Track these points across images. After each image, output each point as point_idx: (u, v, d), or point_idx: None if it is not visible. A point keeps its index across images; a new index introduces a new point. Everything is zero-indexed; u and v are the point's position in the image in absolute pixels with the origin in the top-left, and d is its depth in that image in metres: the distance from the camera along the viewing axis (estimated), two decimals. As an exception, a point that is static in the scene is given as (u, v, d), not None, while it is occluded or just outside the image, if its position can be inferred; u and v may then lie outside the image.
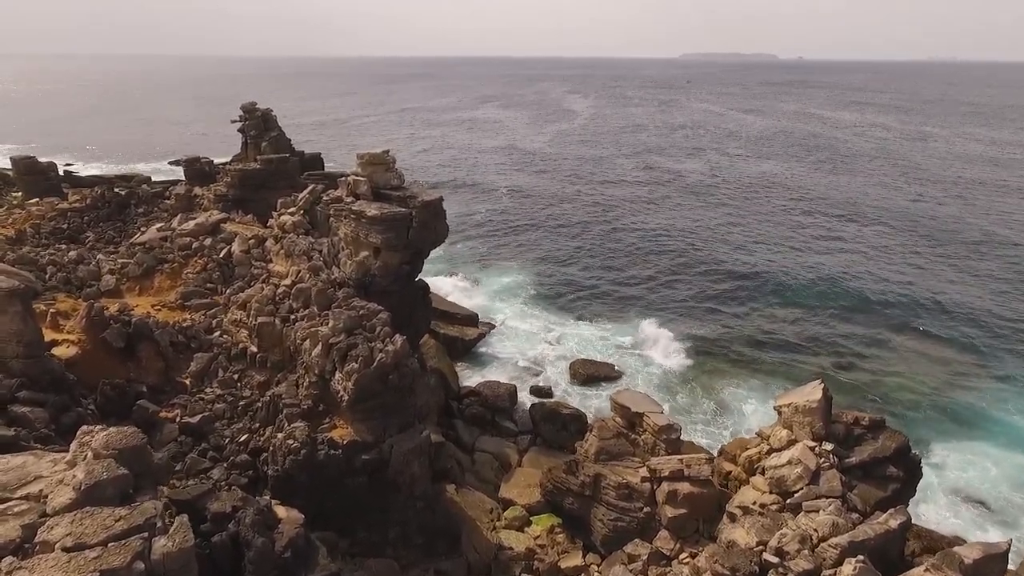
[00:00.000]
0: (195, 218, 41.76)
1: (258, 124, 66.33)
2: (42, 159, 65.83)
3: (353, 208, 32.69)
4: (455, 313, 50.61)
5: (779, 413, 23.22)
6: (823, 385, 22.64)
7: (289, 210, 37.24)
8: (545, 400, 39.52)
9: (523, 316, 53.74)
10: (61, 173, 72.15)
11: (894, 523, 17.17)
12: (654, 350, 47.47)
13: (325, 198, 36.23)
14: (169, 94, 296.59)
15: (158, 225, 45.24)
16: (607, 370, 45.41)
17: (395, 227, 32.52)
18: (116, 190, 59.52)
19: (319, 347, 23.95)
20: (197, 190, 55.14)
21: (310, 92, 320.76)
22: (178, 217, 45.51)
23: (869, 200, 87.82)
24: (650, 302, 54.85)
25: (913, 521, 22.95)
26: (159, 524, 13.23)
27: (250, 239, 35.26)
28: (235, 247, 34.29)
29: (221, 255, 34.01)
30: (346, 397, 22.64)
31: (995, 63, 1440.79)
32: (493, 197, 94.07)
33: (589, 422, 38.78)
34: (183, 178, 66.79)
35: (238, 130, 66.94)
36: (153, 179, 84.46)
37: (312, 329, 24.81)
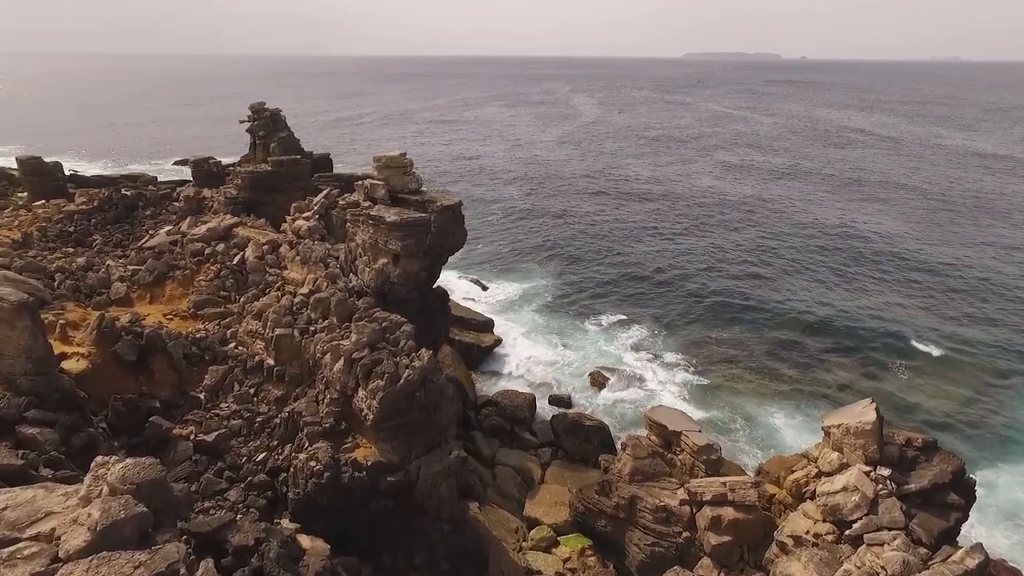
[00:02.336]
0: (206, 222, 40.64)
1: (267, 124, 65.21)
2: (47, 159, 65.05)
3: (371, 213, 31.53)
4: (471, 319, 49.36)
5: (827, 434, 21.95)
6: (875, 405, 21.37)
7: (304, 215, 36.04)
8: (566, 411, 38.28)
9: (539, 322, 52.50)
10: (67, 173, 71.22)
11: (971, 563, 15.93)
12: (674, 359, 46.25)
13: (341, 202, 35.08)
14: (171, 93, 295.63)
15: (167, 228, 44.19)
16: (626, 378, 44.17)
17: (415, 233, 31.36)
18: (124, 191, 58.55)
19: (341, 362, 22.76)
20: (206, 192, 53.94)
21: (314, 91, 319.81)
22: (187, 220, 44.41)
23: (887, 209, 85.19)
24: (669, 310, 53.46)
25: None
26: (182, 570, 12.07)
27: (264, 244, 34.09)
28: (249, 253, 33.12)
29: (234, 261, 32.83)
30: (370, 416, 21.45)
31: (999, 63, 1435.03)
32: (505, 198, 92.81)
33: (612, 434, 37.73)
34: (189, 179, 65.73)
35: (247, 130, 65.80)
36: (159, 179, 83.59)
37: (333, 343, 23.61)
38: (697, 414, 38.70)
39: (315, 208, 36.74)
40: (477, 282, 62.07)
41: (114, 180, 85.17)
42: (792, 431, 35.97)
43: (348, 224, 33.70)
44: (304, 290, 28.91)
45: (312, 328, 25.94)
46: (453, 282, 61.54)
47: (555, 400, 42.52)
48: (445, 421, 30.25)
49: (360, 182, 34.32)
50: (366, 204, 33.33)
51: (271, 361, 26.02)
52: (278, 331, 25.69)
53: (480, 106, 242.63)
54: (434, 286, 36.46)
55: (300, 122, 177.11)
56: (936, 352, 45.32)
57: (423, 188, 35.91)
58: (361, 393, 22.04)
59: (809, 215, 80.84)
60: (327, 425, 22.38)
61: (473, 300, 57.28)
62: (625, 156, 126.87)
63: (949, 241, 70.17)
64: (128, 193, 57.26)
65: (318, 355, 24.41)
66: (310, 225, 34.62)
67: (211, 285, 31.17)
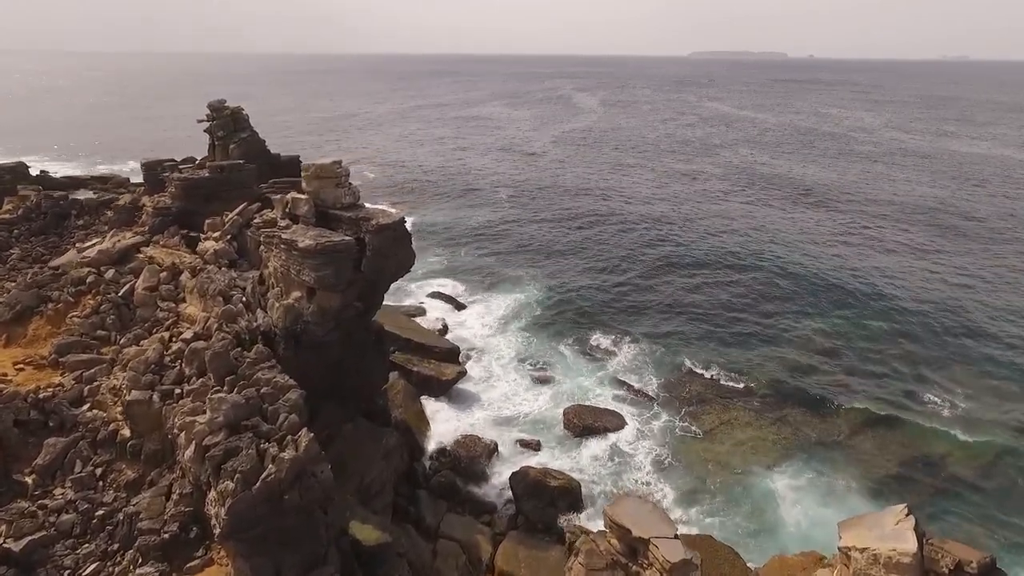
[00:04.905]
0: (116, 239, 34.97)
1: (227, 124, 59.70)
2: (27, 159, 60.36)
3: (283, 236, 25.79)
4: (433, 347, 43.57)
5: (845, 554, 16.14)
6: (913, 520, 15.53)
7: (214, 235, 30.29)
8: (529, 468, 32.37)
9: (514, 349, 46.62)
10: (38, 173, 65.81)
11: None
12: (662, 396, 40.43)
13: (257, 220, 29.36)
14: (169, 92, 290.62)
15: (88, 244, 38.67)
16: (606, 419, 38.37)
17: (335, 261, 25.57)
18: (56, 198, 53.03)
19: (192, 447, 17.03)
20: (145, 200, 48.30)
21: (311, 89, 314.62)
22: (110, 233, 38.92)
23: (912, 232, 74.55)
24: (661, 339, 47.02)
25: None
26: None
27: (162, 271, 28.35)
28: (139, 282, 27.38)
29: (120, 293, 27.11)
30: (218, 528, 15.73)
31: (1009, 62, 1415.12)
32: (495, 202, 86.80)
33: (584, 493, 31.93)
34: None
35: (205, 130, 60.41)
36: (132, 181, 78.05)
37: (189, 418, 17.87)
38: (681, 469, 32.86)
39: (227, 227, 30.98)
40: (452, 300, 56.33)
41: (83, 181, 79.69)
42: (797, 498, 29.83)
43: (262, 248, 27.98)
44: (188, 334, 23.18)
45: (179, 391, 20.19)
46: (426, 301, 55.84)
47: (523, 444, 36.91)
48: (375, 481, 24.73)
49: (279, 196, 28.59)
50: (283, 223, 27.66)
51: (127, 432, 20.31)
52: (133, 394, 19.95)
53: (484, 104, 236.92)
54: (372, 319, 30.76)
55: (295, 119, 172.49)
56: (958, 398, 38.91)
57: (360, 202, 30.29)
58: (212, 494, 16.32)
59: (822, 236, 71.98)
60: (167, 535, 16.66)
61: (441, 317, 51.52)
62: (628, 161, 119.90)
63: (982, 272, 61.12)
64: (61, 200, 51.72)
65: (176, 431, 18.68)
66: (217, 248, 28.88)
67: (85, 323, 25.46)
